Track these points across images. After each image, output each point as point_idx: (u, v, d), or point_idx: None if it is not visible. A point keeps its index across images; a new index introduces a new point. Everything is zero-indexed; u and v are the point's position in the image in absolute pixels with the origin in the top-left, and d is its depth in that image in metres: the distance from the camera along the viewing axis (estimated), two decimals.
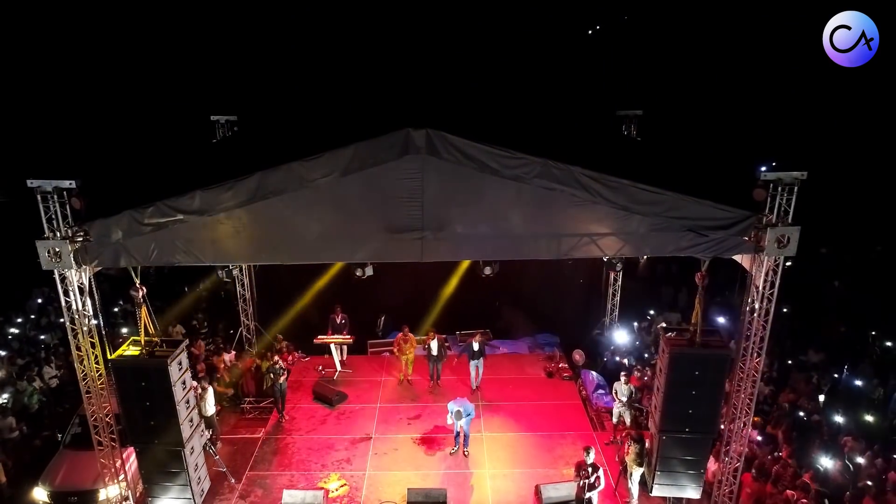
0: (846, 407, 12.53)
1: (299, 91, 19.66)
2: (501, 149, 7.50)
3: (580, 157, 7.90)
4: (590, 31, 35.38)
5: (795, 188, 7.71)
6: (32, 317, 16.90)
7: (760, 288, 8.12)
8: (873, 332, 15.31)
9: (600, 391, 12.97)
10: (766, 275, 8.10)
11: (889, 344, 14.91)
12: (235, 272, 13.18)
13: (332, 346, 13.61)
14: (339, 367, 13.87)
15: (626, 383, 11.34)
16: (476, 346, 12.88)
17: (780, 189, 7.72)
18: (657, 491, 9.38)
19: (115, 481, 9.68)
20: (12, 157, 20.62)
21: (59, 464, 11.03)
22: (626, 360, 13.42)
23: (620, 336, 14.47)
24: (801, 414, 12.14)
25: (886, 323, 15.37)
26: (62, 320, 16.23)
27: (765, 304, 8.25)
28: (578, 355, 14.46)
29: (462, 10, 23.44)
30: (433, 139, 7.38)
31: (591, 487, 8.94)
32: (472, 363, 13.03)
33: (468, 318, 15.08)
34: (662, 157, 10.55)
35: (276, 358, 11.96)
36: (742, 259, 8.33)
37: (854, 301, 17.40)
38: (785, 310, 17.47)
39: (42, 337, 15.72)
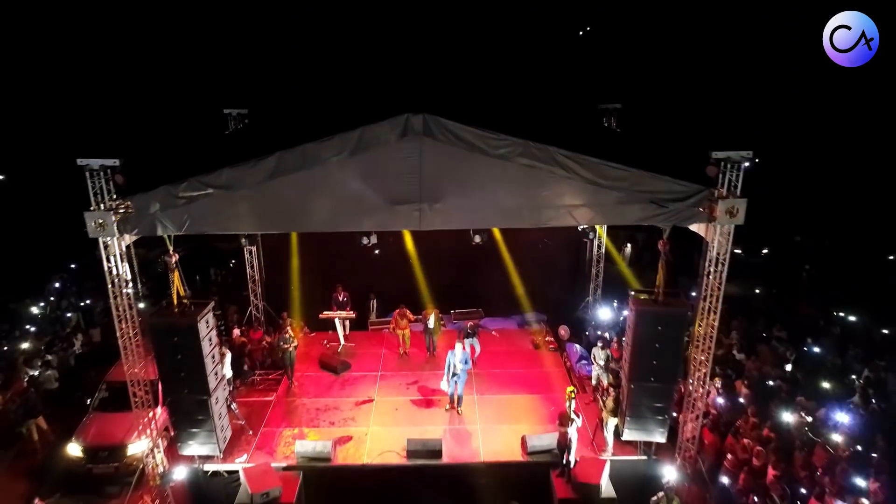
0: (808, 374, 13.82)
1: (305, 84, 20.90)
2: (489, 131, 8.69)
3: (558, 141, 9.08)
4: (580, 33, 36.87)
5: (742, 165, 8.91)
6: (52, 299, 18.00)
7: (714, 253, 9.32)
8: (836, 312, 16.62)
9: (583, 361, 14.16)
10: (720, 242, 9.30)
11: (852, 319, 16.25)
12: (252, 249, 14.42)
13: (337, 321, 14.75)
14: (342, 341, 15.02)
15: (603, 349, 12.56)
16: (469, 329, 14.08)
17: (729, 166, 8.91)
18: (627, 435, 10.59)
19: (145, 435, 10.84)
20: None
21: (90, 423, 12.17)
22: (606, 334, 14.64)
23: (603, 313, 15.67)
24: (770, 383, 13.42)
25: (848, 303, 16.73)
26: (82, 304, 17.48)
27: (719, 267, 9.46)
28: (564, 330, 15.66)
29: (463, 8, 24.83)
30: (429, 123, 8.57)
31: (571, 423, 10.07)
32: (467, 341, 14.19)
33: (461, 298, 16.32)
34: (634, 143, 11.74)
35: (287, 328, 13.11)
36: (698, 228, 9.53)
37: (822, 284, 18.78)
38: (757, 291, 18.86)
39: (69, 315, 16.83)
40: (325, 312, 14.68)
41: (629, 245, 22.32)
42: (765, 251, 22.03)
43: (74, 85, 23.84)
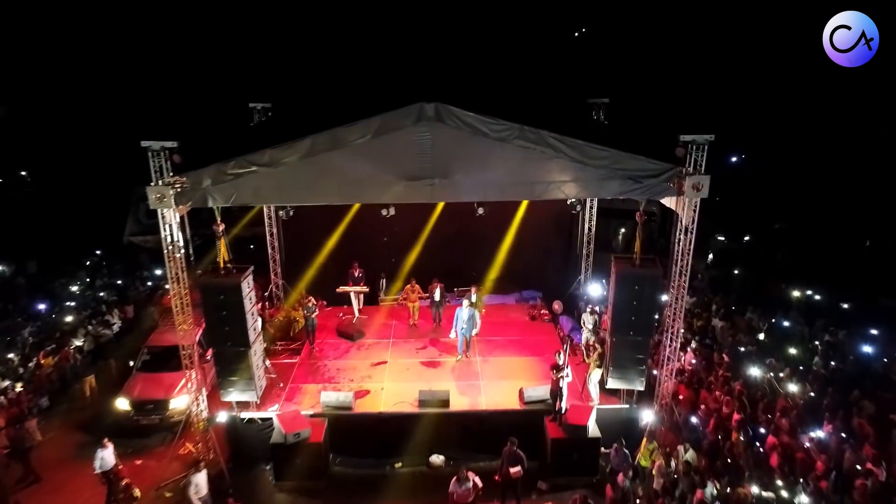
0: (776, 341, 15.42)
1: (324, 79, 22.62)
2: (490, 117, 10.25)
3: (549, 126, 10.65)
4: (576, 34, 38.58)
5: (706, 147, 10.45)
6: (87, 280, 19.58)
7: (683, 222, 10.88)
8: (808, 291, 18.23)
9: (575, 332, 15.71)
10: (688, 214, 10.85)
11: (817, 298, 17.86)
12: (274, 232, 15.96)
13: (352, 295, 16.27)
14: (357, 314, 16.55)
15: (591, 314, 14.13)
16: (474, 297, 15.60)
17: (695, 148, 10.45)
18: (611, 384, 12.15)
19: (186, 391, 12.39)
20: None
21: (135, 382, 13.75)
22: (597, 308, 16.18)
23: (593, 290, 17.21)
24: (741, 349, 14.99)
25: (817, 282, 18.36)
26: (118, 281, 19.03)
27: (688, 235, 11.00)
28: (557, 305, 17.21)
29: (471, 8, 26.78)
30: (440, 110, 10.13)
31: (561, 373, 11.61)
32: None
33: (464, 279, 17.83)
34: (618, 131, 13.29)
35: (310, 297, 14.68)
36: (670, 202, 11.10)
37: (795, 266, 20.45)
38: (736, 272, 20.49)
39: (101, 294, 18.40)
40: (341, 287, 16.18)
41: (622, 231, 23.94)
42: (746, 238, 23.65)
43: (106, 81, 25.50)
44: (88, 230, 22.48)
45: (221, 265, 11.21)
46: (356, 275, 16.35)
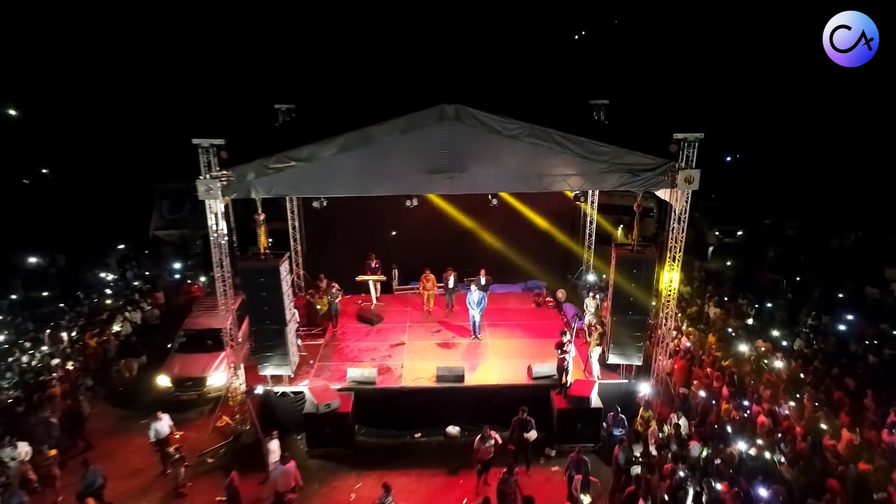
0: (763, 325, 16.68)
1: (346, 81, 24.05)
2: (503, 117, 11.49)
3: (556, 125, 11.89)
4: (576, 37, 40.00)
5: (696, 144, 11.68)
6: (121, 270, 20.87)
7: (676, 212, 12.12)
8: (796, 278, 19.51)
9: (577, 317, 16.92)
10: (681, 205, 12.09)
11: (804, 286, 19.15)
12: (296, 225, 17.15)
13: (370, 283, 17.49)
14: (374, 301, 17.76)
15: (593, 299, 15.38)
16: (483, 281, 16.81)
17: (686, 145, 11.70)
18: (611, 359, 13.38)
19: (222, 369, 13.61)
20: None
21: (174, 361, 14.99)
22: (598, 296, 17.41)
23: (594, 279, 18.45)
24: (730, 330, 16.24)
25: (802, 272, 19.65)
26: (146, 272, 20.29)
27: (681, 224, 12.24)
28: (561, 293, 18.43)
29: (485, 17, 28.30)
30: (459, 111, 11.37)
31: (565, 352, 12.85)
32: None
33: (473, 272, 19.07)
34: (617, 128, 14.54)
35: (334, 284, 15.91)
36: (664, 194, 12.33)
37: (783, 258, 21.77)
38: (729, 263, 21.75)
39: (135, 283, 19.65)
40: (360, 276, 17.39)
41: (621, 227, 25.14)
42: (739, 233, 24.90)
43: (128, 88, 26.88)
44: (115, 226, 23.72)
45: (261, 251, 12.42)
46: (373, 265, 17.54)
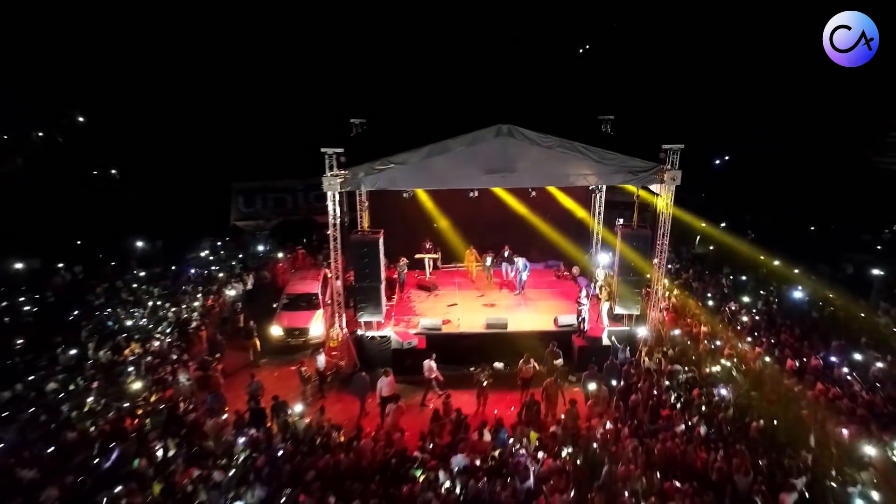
0: (736, 291, 21.33)
1: (407, 98, 29.05)
2: (542, 134, 16.15)
3: (579, 138, 16.55)
4: (580, 50, 44.13)
5: (679, 152, 16.31)
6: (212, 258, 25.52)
7: (665, 201, 16.78)
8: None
9: (589, 286, 21.58)
10: (667, 195, 16.74)
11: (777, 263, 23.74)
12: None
13: (426, 260, 22.17)
14: (428, 275, 22.43)
15: (602, 270, 20.13)
16: (506, 254, 21.44)
17: (671, 152, 16.36)
18: (618, 310, 18.05)
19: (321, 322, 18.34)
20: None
21: (282, 316, 19.60)
22: (607, 271, 21.96)
23: (603, 258, 23.08)
24: (709, 295, 20.90)
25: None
26: (240, 255, 25.02)
27: (668, 210, 16.89)
28: (576, 269, 23.11)
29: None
30: (511, 129, 16.02)
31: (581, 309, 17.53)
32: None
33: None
34: (620, 139, 19.21)
35: (403, 258, 20.65)
36: (656, 188, 17.01)
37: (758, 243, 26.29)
38: (711, 247, 26.39)
39: (233, 263, 24.38)
40: (418, 254, 22.05)
41: (621, 220, 29.77)
42: (723, 224, 29.49)
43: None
44: (198, 218, 28.36)
45: (364, 228, 17.14)
46: (427, 247, 22.23)
